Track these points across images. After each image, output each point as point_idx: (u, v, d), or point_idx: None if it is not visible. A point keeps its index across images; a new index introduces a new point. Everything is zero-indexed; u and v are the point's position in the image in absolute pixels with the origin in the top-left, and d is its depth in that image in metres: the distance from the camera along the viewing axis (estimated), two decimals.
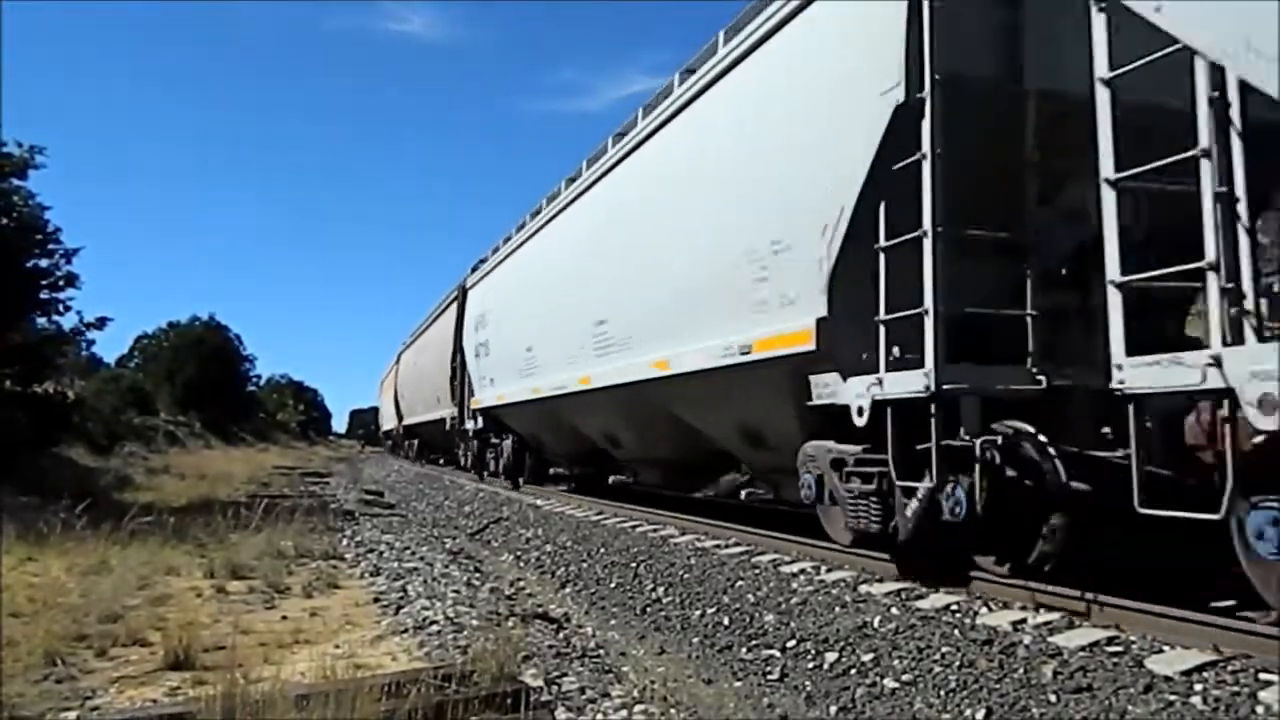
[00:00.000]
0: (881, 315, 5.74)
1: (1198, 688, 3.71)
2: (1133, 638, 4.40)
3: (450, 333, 20.62)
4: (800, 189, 6.62)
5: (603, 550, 9.06)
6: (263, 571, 7.53)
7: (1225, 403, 3.88)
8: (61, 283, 15.62)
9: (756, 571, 6.94)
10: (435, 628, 5.88)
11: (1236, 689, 3.64)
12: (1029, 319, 5.45)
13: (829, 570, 6.72)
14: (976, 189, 5.32)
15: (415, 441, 32.30)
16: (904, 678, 4.51)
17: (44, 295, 15.49)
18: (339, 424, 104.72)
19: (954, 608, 5.31)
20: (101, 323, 16.70)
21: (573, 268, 12.14)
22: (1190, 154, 3.88)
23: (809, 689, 4.77)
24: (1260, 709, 3.48)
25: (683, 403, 9.08)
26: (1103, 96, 4.39)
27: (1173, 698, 3.66)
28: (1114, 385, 4.37)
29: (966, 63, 5.52)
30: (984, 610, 5.21)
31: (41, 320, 15.97)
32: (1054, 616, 4.89)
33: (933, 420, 5.33)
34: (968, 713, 4.03)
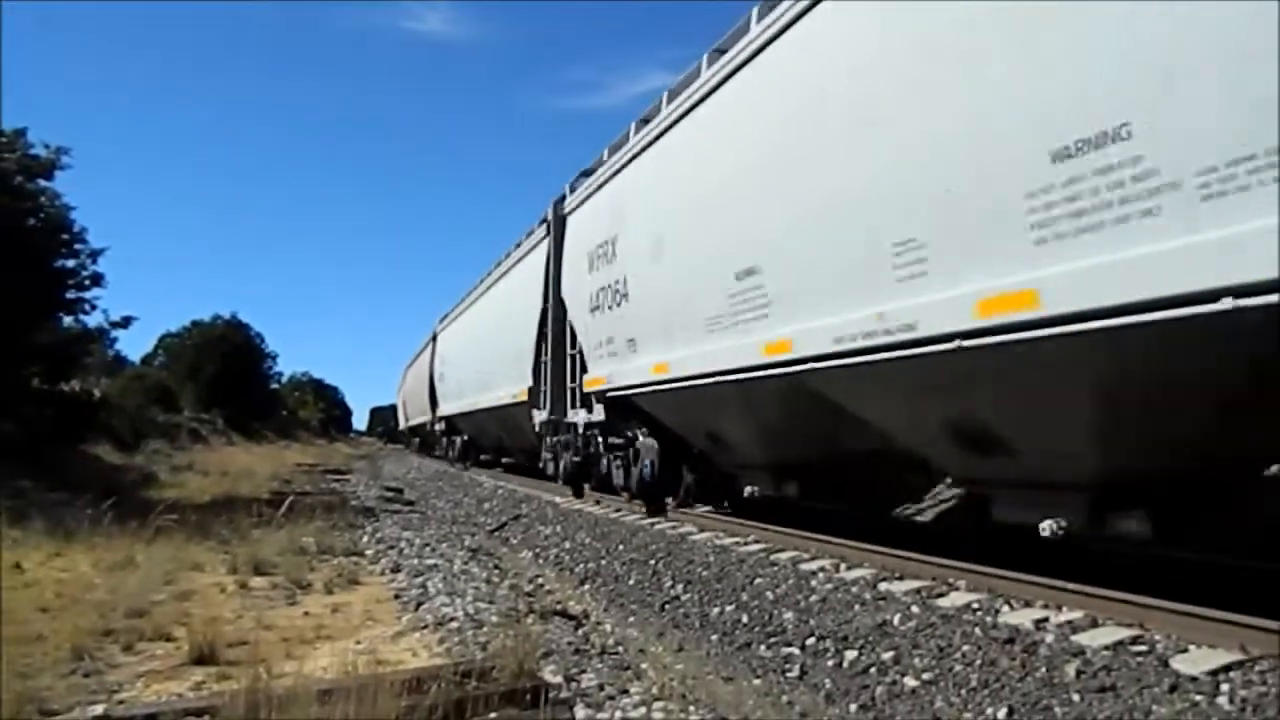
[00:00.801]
0: (542, 387, 14.30)
1: (1224, 688, 3.65)
2: (1157, 637, 4.34)
3: (428, 363, 29.54)
4: (522, 329, 15.44)
5: (621, 547, 9.06)
6: (285, 568, 7.56)
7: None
8: (87, 282, 15.75)
9: (775, 569, 6.92)
10: (455, 624, 5.89)
11: (1264, 689, 3.59)
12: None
13: (848, 568, 6.68)
14: (561, 336, 13.36)
15: (417, 440, 40.98)
16: (925, 676, 4.47)
17: (70, 295, 15.61)
18: (359, 421, 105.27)
19: (975, 606, 5.27)
20: (126, 322, 16.87)
21: (471, 336, 21.80)
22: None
23: (829, 687, 4.74)
24: None
25: (513, 420, 17.27)
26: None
27: (1199, 698, 3.61)
28: (566, 420, 13.33)
29: (567, 290, 12.57)
30: (1006, 609, 5.17)
31: (68, 319, 16.14)
32: (1077, 615, 4.84)
33: (552, 429, 14.22)
34: (989, 711, 3.99)
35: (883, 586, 5.98)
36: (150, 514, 8.13)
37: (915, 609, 5.35)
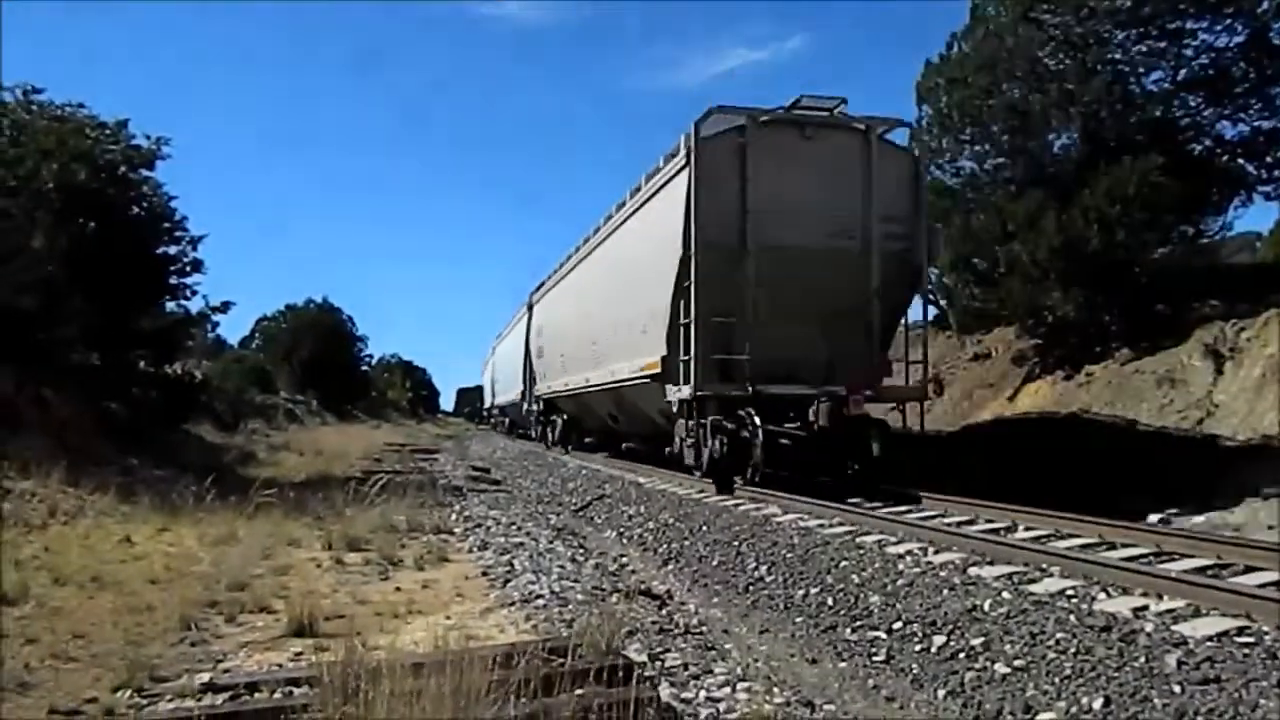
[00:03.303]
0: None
1: None
2: (1265, 628, 4.17)
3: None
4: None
5: (705, 528, 9.08)
6: (377, 544, 7.80)
7: None
8: (188, 268, 16.32)
9: (861, 552, 6.85)
10: (541, 602, 6.00)
11: None
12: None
13: (937, 552, 6.58)
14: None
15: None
16: (1016, 663, 4.39)
17: (173, 281, 16.23)
18: (446, 402, 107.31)
19: (1070, 592, 5.14)
20: (225, 306, 17.38)
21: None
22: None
23: (916, 671, 4.69)
24: None
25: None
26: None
27: None
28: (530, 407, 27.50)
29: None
30: (1102, 596, 5.03)
31: (171, 304, 16.77)
32: (1178, 604, 4.69)
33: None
34: (1084, 701, 3.90)
35: (972, 571, 5.88)
36: (249, 491, 8.46)
37: (1006, 594, 5.25)
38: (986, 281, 17.38)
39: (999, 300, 16.93)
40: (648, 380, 12.72)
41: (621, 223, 14.85)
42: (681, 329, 11.26)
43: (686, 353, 11.17)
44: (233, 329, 75.58)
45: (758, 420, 10.69)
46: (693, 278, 10.92)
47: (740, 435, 10.92)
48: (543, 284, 24.34)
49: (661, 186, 12.43)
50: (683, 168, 11.30)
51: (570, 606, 5.85)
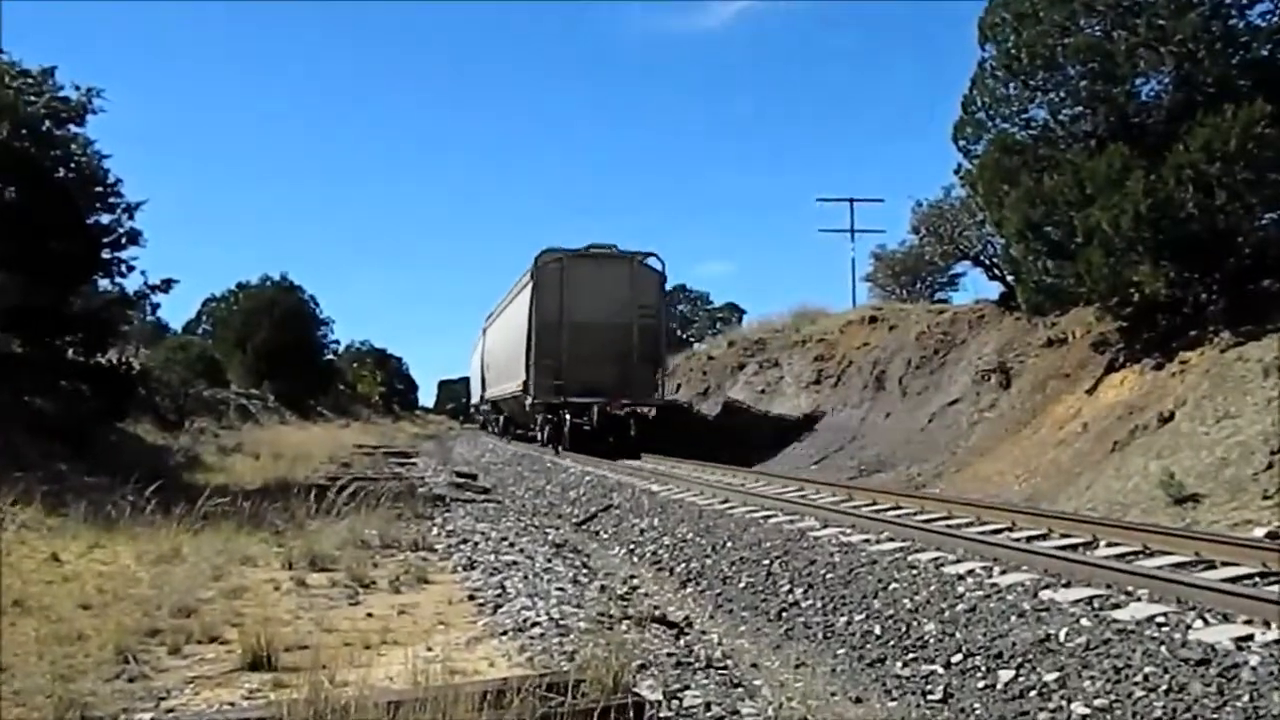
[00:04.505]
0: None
1: None
2: None
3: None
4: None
5: (730, 544, 9.09)
6: (346, 563, 7.82)
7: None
8: (124, 240, 16.10)
9: (914, 572, 6.84)
10: (538, 630, 6.01)
11: None
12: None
13: (1003, 572, 6.57)
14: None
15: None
16: (1097, 702, 4.38)
17: (106, 255, 16.00)
18: (426, 397, 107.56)
19: (1160, 619, 5.12)
20: (167, 285, 17.16)
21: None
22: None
23: (979, 712, 4.68)
24: None
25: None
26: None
27: None
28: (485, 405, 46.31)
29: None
30: (1198, 624, 5.00)
31: (103, 282, 16.56)
32: None
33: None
34: None
35: (1045, 595, 5.86)
36: (197, 501, 8.48)
37: (1085, 621, 5.23)
38: (1061, 253, 17.16)
39: (1076, 275, 16.71)
40: (522, 391, 25.88)
41: (510, 302, 30.46)
42: (530, 365, 24.64)
43: (531, 378, 24.75)
44: (176, 311, 75.97)
45: (567, 416, 23.78)
46: (534, 338, 24.44)
47: (559, 424, 24.42)
48: (490, 315, 39.00)
49: (522, 290, 26.82)
50: (529, 283, 25.14)
51: (572, 636, 5.86)
